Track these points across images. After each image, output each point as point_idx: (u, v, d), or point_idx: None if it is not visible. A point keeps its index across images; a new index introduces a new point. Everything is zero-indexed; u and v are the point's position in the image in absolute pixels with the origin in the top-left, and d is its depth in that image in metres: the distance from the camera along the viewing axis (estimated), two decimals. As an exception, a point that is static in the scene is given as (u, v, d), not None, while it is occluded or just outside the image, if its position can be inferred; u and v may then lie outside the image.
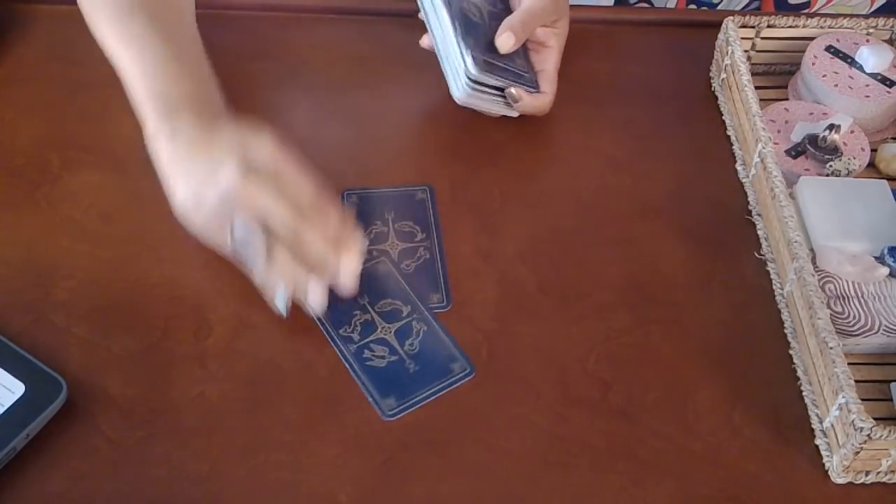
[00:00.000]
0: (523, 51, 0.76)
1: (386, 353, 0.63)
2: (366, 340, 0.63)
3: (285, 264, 0.60)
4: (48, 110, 0.76)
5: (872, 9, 0.94)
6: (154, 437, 0.59)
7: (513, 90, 0.73)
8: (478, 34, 0.73)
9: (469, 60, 0.71)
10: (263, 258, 0.60)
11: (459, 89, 0.73)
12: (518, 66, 0.74)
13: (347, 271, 0.61)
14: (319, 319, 0.64)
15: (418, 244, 0.69)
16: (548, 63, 0.76)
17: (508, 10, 0.76)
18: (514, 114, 0.76)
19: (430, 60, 0.76)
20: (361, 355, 0.62)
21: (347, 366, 0.62)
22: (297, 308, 0.65)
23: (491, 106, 0.75)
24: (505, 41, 0.73)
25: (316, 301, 0.61)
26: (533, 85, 0.75)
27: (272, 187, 0.58)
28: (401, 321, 0.64)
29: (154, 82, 0.64)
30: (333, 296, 0.64)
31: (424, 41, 0.77)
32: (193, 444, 0.59)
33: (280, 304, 0.62)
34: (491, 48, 0.73)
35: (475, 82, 0.72)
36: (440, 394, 0.62)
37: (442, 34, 0.73)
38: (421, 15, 0.75)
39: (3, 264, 0.66)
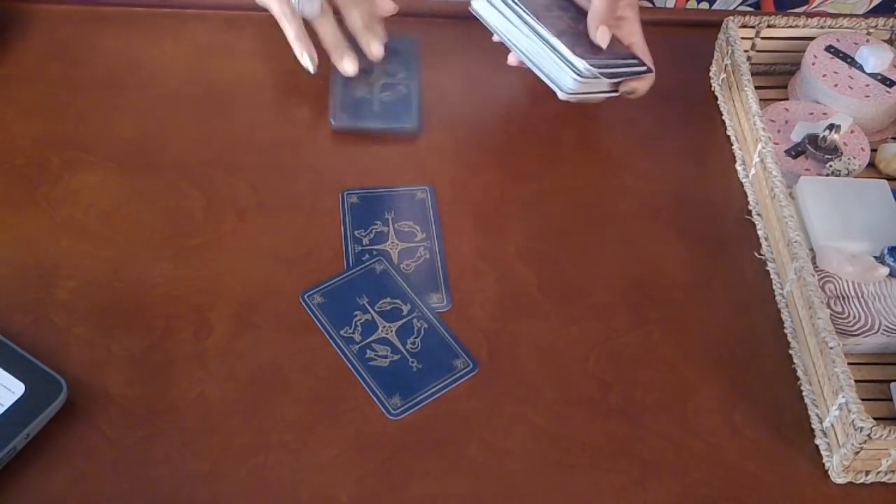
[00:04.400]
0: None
1: (388, 353, 0.63)
2: (367, 340, 0.63)
3: (333, 28, 0.73)
4: (48, 110, 0.76)
5: (870, 7, 0.94)
6: (154, 437, 0.59)
7: (625, 87, 0.74)
8: (579, 41, 0.72)
9: (581, 63, 0.70)
10: (317, 14, 0.72)
11: (567, 90, 0.72)
12: (622, 54, 0.74)
13: (374, 51, 0.76)
14: (320, 321, 0.64)
15: (418, 244, 0.69)
16: (634, 35, 0.77)
17: (581, 9, 0.75)
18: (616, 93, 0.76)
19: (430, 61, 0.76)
20: (364, 355, 0.62)
21: (350, 366, 0.62)
22: (299, 306, 0.65)
23: (598, 95, 0.75)
24: (602, 35, 0.72)
25: (349, 67, 0.75)
26: (640, 63, 0.75)
27: None
28: (401, 320, 0.64)
29: None
30: (332, 297, 0.64)
31: (512, 60, 0.77)
32: (193, 444, 0.59)
33: (309, 63, 0.74)
34: (594, 49, 0.72)
35: (587, 81, 0.71)
36: (445, 391, 0.62)
37: (537, 48, 0.72)
38: (496, 37, 0.75)
39: (3, 264, 0.66)
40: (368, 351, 0.63)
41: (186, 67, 0.79)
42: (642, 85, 0.75)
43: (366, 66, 0.77)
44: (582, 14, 0.74)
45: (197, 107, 0.77)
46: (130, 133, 0.75)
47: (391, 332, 0.64)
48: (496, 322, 0.66)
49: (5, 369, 0.59)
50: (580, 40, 0.72)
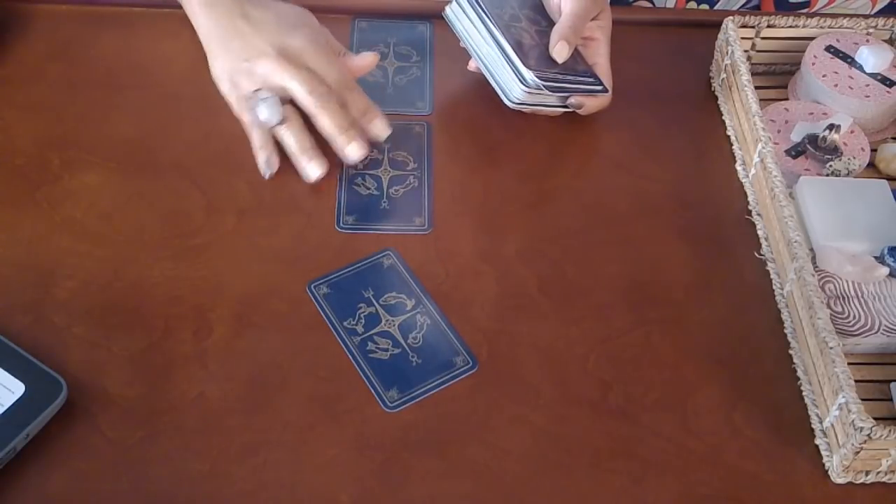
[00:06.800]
0: (575, 51, 0.76)
1: (389, 346, 0.63)
2: (370, 333, 0.63)
3: (299, 135, 0.70)
4: (48, 110, 0.76)
5: (873, 12, 0.94)
6: (154, 437, 0.59)
7: (573, 100, 0.75)
8: (534, 53, 0.73)
9: (529, 74, 0.72)
10: (275, 121, 0.69)
11: (514, 100, 0.74)
12: (578, 71, 0.75)
13: (377, 130, 0.73)
14: (324, 311, 0.64)
15: (409, 172, 0.74)
16: (599, 56, 0.77)
17: (552, 23, 0.76)
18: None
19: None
20: (365, 347, 0.63)
21: (351, 357, 0.62)
22: (299, 306, 0.65)
23: (550, 108, 0.76)
24: (560, 50, 0.73)
25: (355, 152, 0.71)
26: (596, 82, 0.76)
27: (303, 72, 0.69)
28: (405, 315, 0.64)
29: None
30: (338, 288, 0.64)
31: (471, 65, 0.78)
32: (193, 444, 0.59)
33: (263, 165, 0.71)
34: (549, 63, 0.74)
35: (534, 93, 0.73)
36: (442, 387, 0.62)
37: (495, 56, 0.74)
38: (462, 44, 0.77)
39: (3, 264, 0.66)
40: (370, 343, 0.63)
41: (186, 67, 0.79)
42: (592, 102, 0.76)
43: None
44: (551, 29, 0.75)
45: (197, 107, 0.77)
46: (130, 133, 0.75)
47: (394, 325, 0.64)
48: (496, 322, 0.66)
49: (5, 369, 0.59)
50: (539, 53, 0.74)
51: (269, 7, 0.73)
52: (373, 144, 0.73)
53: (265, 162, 0.71)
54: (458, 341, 0.64)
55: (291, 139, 0.71)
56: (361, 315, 0.64)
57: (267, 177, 0.71)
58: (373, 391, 0.61)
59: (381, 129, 0.73)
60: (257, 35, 0.71)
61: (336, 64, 0.72)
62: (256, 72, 0.70)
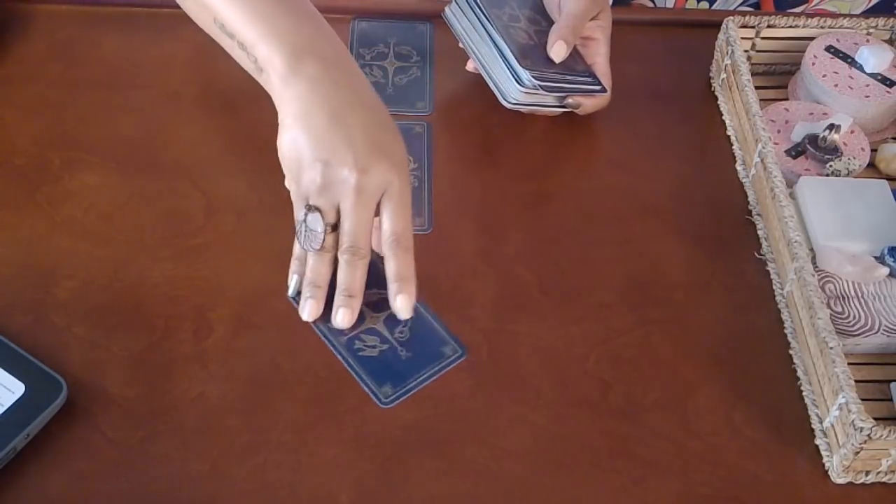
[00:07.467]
0: (574, 51, 0.76)
1: (377, 342, 0.63)
2: (356, 332, 0.63)
3: (322, 268, 0.60)
4: (48, 110, 0.76)
5: (868, 6, 0.94)
6: (154, 437, 0.59)
7: (570, 100, 0.75)
8: (532, 53, 0.73)
9: (525, 74, 0.72)
10: (309, 249, 0.60)
11: (511, 100, 0.74)
12: (576, 71, 0.75)
13: (401, 307, 0.61)
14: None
15: (410, 173, 0.70)
16: (598, 55, 0.77)
17: (552, 23, 0.76)
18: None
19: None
20: (353, 346, 0.62)
21: (340, 358, 0.62)
22: (296, 310, 0.65)
23: (548, 108, 0.76)
24: (558, 50, 0.73)
25: (343, 321, 0.60)
26: (595, 82, 0.76)
27: (363, 208, 0.59)
28: (388, 310, 0.64)
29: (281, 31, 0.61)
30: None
31: (469, 65, 0.78)
32: (193, 444, 0.59)
33: (292, 288, 0.62)
34: (547, 63, 0.74)
35: (531, 93, 0.73)
36: (434, 378, 0.62)
37: (493, 56, 0.74)
38: (461, 44, 0.77)
39: (3, 264, 0.66)
40: (357, 342, 0.63)
41: (186, 67, 0.79)
42: (591, 102, 0.76)
43: None
44: (550, 28, 0.75)
45: (197, 107, 0.77)
46: (130, 133, 0.75)
47: (379, 321, 0.64)
48: (496, 322, 0.66)
49: (5, 369, 0.59)
50: (536, 53, 0.74)
51: (375, 118, 0.62)
52: None
53: (295, 281, 0.62)
54: (443, 331, 0.63)
55: (314, 271, 0.61)
56: None
57: (289, 294, 0.62)
58: (366, 389, 0.61)
59: (400, 308, 0.61)
60: (350, 146, 0.59)
61: (408, 217, 0.62)
62: (330, 183, 0.59)
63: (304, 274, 0.61)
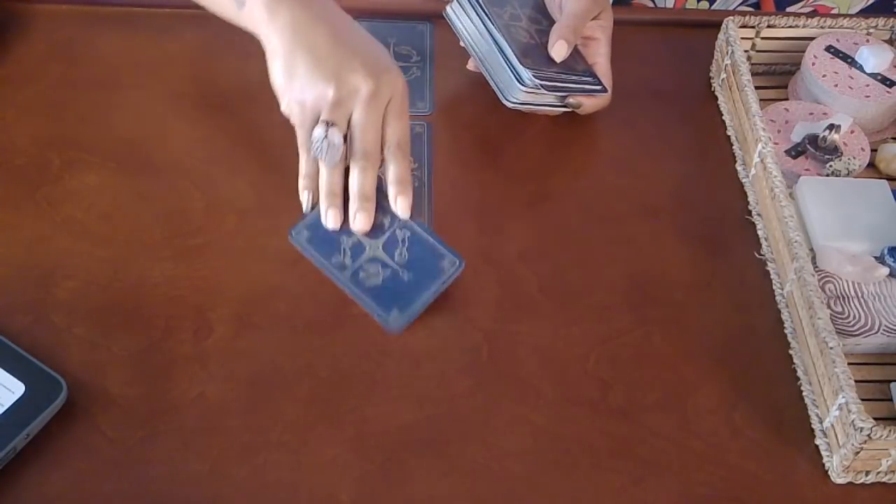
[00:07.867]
0: (575, 50, 0.76)
1: (379, 269, 0.64)
2: (359, 263, 0.64)
3: (337, 178, 0.64)
4: (48, 110, 0.76)
5: (867, 3, 0.94)
6: (154, 437, 0.59)
7: (571, 100, 0.75)
8: (533, 52, 0.74)
9: (526, 73, 0.72)
10: (330, 164, 0.64)
11: (512, 99, 0.74)
12: (577, 71, 0.75)
13: (401, 208, 0.65)
14: (312, 255, 0.64)
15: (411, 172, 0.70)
16: (599, 55, 0.77)
17: (553, 23, 0.76)
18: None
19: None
20: (358, 277, 0.63)
21: (347, 291, 0.63)
22: (299, 306, 0.65)
23: (549, 108, 0.76)
24: (559, 49, 0.73)
25: (363, 224, 0.64)
26: (595, 82, 0.76)
27: (376, 116, 0.63)
28: (385, 234, 0.65)
29: None
30: (318, 228, 0.65)
31: (470, 65, 0.79)
32: (193, 444, 0.59)
33: (305, 203, 0.66)
34: (548, 63, 0.74)
35: (532, 92, 0.73)
36: (437, 294, 0.63)
37: (494, 55, 0.74)
38: (462, 43, 0.77)
39: (3, 264, 0.66)
40: (361, 273, 0.63)
41: (186, 67, 0.79)
42: (591, 102, 0.76)
43: None
44: (552, 28, 0.75)
45: (197, 107, 0.77)
46: (130, 133, 0.75)
47: (378, 248, 0.64)
48: (496, 322, 0.66)
49: (5, 369, 0.59)
50: (537, 53, 0.74)
51: (364, 35, 0.66)
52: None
53: (308, 197, 0.66)
54: (440, 245, 0.64)
55: (332, 182, 0.64)
56: (346, 248, 0.65)
57: (304, 211, 0.66)
58: (376, 318, 0.62)
59: (400, 209, 0.65)
60: (356, 59, 0.63)
61: (407, 124, 0.66)
62: (342, 97, 0.63)
63: (315, 189, 0.65)
